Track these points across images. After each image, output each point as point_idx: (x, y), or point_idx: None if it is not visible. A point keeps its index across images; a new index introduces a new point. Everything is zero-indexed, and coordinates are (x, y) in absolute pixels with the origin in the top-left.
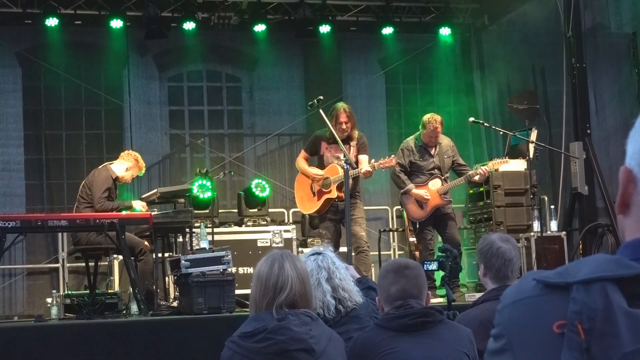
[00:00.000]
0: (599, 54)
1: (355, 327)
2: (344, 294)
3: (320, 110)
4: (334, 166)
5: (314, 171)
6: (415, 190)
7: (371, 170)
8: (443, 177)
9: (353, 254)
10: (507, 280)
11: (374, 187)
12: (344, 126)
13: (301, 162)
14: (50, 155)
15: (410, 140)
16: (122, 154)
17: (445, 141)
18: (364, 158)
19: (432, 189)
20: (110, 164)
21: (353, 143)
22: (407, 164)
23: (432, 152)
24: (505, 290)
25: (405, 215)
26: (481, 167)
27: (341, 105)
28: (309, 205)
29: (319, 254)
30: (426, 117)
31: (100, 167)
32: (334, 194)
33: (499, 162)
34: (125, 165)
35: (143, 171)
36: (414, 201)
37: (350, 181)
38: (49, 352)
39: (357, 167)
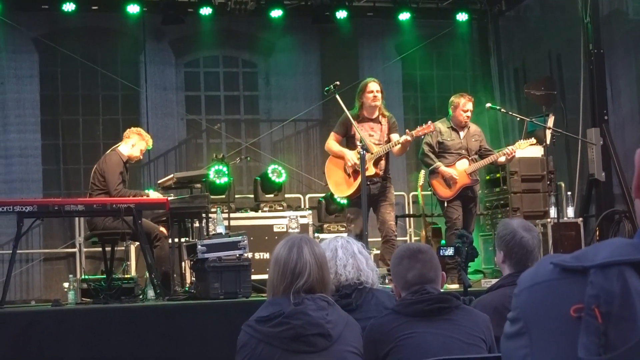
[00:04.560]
0: (615, 40)
1: (375, 314)
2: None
3: (337, 96)
4: (368, 144)
5: (349, 155)
6: (443, 168)
7: (410, 139)
8: (470, 158)
9: (379, 239)
10: (525, 268)
11: (391, 173)
12: (375, 94)
13: (333, 144)
14: (67, 141)
15: (438, 123)
16: (124, 134)
17: (473, 127)
18: (395, 137)
19: (459, 169)
20: (117, 146)
21: (384, 121)
22: (435, 144)
23: (461, 134)
24: (523, 273)
25: (421, 202)
26: (507, 147)
27: (371, 78)
28: (345, 188)
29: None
30: (454, 96)
31: (108, 152)
32: (372, 171)
33: (525, 142)
34: (130, 143)
35: (150, 143)
36: (441, 180)
37: (382, 162)
38: (65, 336)
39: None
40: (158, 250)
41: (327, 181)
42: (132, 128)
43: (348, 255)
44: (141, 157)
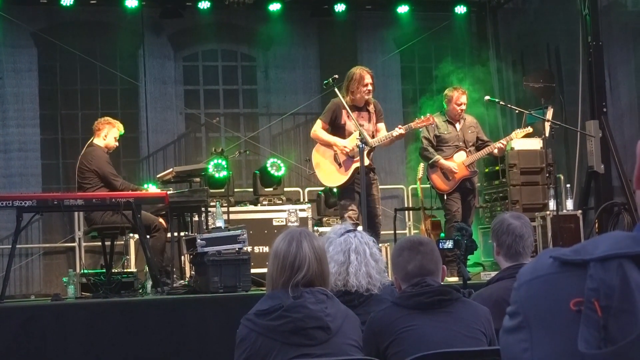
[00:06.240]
0: (613, 32)
1: (375, 309)
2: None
3: (336, 89)
4: (366, 137)
5: (342, 143)
6: (442, 161)
7: (404, 132)
8: (467, 150)
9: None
10: (519, 256)
11: (390, 166)
12: (370, 87)
13: (321, 132)
14: (66, 135)
15: (434, 115)
16: (94, 127)
17: (469, 118)
18: (382, 126)
19: (457, 161)
20: (92, 140)
21: (372, 109)
22: (433, 138)
23: (457, 126)
24: (522, 268)
25: (420, 195)
26: (502, 140)
27: (362, 67)
28: (335, 178)
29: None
30: (448, 89)
31: (86, 148)
32: (365, 161)
33: (522, 131)
34: (102, 134)
35: (121, 128)
36: (440, 173)
37: (372, 152)
38: (65, 331)
39: (374, 137)
40: (154, 240)
41: (315, 170)
42: (100, 119)
43: (361, 262)
44: (117, 144)
